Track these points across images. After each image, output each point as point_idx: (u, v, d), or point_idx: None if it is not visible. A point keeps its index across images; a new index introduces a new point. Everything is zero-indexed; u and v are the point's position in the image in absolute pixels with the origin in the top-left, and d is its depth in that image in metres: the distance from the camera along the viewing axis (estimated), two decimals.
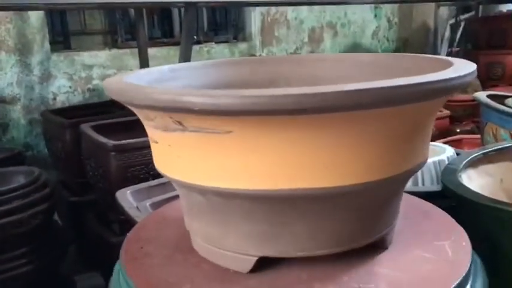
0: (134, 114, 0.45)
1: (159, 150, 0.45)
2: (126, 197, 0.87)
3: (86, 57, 1.99)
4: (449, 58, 0.49)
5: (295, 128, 0.37)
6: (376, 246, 0.48)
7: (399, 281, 0.43)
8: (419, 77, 0.37)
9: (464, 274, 0.44)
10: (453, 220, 0.54)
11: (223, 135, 0.38)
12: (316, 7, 2.64)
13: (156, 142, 0.44)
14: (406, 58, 0.57)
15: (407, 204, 0.56)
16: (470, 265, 0.45)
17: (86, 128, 1.26)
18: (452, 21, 2.99)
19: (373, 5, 2.89)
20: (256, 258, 0.45)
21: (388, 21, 3.05)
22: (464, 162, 0.74)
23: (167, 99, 0.37)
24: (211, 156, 0.40)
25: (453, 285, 0.42)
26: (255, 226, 0.43)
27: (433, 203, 0.59)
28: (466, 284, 0.44)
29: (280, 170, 0.39)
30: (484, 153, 0.77)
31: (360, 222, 0.45)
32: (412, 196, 0.61)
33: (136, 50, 1.79)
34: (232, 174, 0.39)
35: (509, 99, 1.12)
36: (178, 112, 0.38)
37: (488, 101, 1.05)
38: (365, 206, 0.44)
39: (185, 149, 0.41)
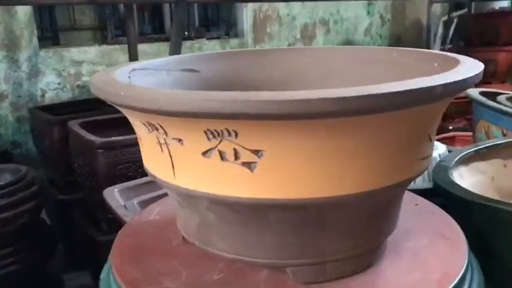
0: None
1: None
2: (114, 195, 0.85)
3: (75, 53, 1.96)
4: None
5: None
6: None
7: (395, 283, 0.43)
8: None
9: (461, 274, 0.43)
10: (449, 217, 0.54)
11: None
12: (308, 3, 2.63)
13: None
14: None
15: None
16: (467, 265, 0.45)
17: (74, 125, 1.24)
18: (445, 18, 2.99)
19: (366, 2, 2.88)
20: None
21: (381, 17, 3.04)
22: (455, 160, 0.73)
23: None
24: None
25: (451, 286, 0.41)
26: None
27: None
28: (463, 285, 0.43)
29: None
30: (475, 151, 0.77)
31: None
32: (407, 192, 0.61)
33: (126, 46, 1.76)
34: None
35: (502, 96, 1.12)
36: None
37: (481, 98, 1.05)
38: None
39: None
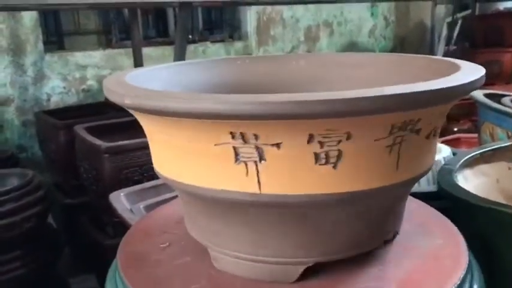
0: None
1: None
2: (120, 200, 0.86)
3: (80, 57, 1.98)
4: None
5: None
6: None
7: (397, 284, 0.43)
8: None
9: (461, 277, 0.43)
10: (449, 221, 0.54)
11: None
12: (312, 6, 2.63)
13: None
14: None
15: None
16: (468, 268, 0.45)
17: (80, 129, 1.24)
18: (449, 19, 2.98)
19: (369, 3, 2.88)
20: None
21: (385, 19, 3.04)
22: (460, 163, 0.73)
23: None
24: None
25: None
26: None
27: (428, 204, 0.59)
28: (464, 287, 0.43)
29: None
30: (480, 153, 0.77)
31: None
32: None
33: (130, 49, 1.77)
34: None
35: (506, 98, 1.11)
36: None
37: (485, 99, 1.04)
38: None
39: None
